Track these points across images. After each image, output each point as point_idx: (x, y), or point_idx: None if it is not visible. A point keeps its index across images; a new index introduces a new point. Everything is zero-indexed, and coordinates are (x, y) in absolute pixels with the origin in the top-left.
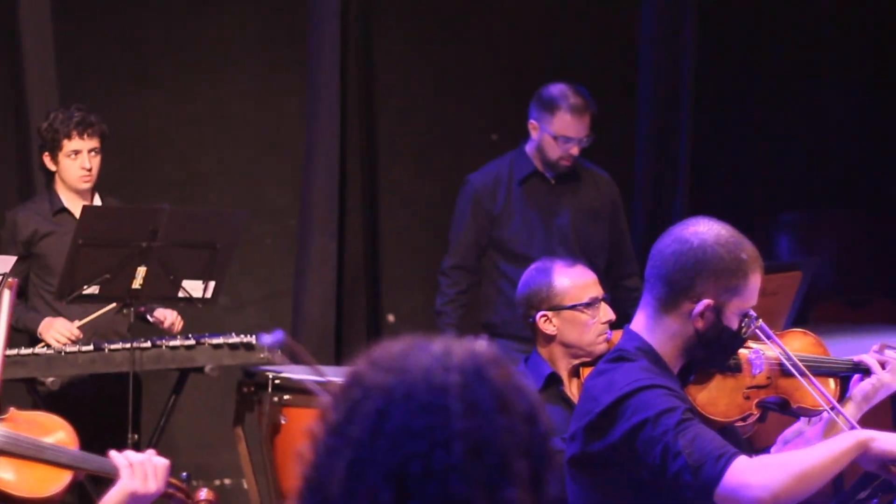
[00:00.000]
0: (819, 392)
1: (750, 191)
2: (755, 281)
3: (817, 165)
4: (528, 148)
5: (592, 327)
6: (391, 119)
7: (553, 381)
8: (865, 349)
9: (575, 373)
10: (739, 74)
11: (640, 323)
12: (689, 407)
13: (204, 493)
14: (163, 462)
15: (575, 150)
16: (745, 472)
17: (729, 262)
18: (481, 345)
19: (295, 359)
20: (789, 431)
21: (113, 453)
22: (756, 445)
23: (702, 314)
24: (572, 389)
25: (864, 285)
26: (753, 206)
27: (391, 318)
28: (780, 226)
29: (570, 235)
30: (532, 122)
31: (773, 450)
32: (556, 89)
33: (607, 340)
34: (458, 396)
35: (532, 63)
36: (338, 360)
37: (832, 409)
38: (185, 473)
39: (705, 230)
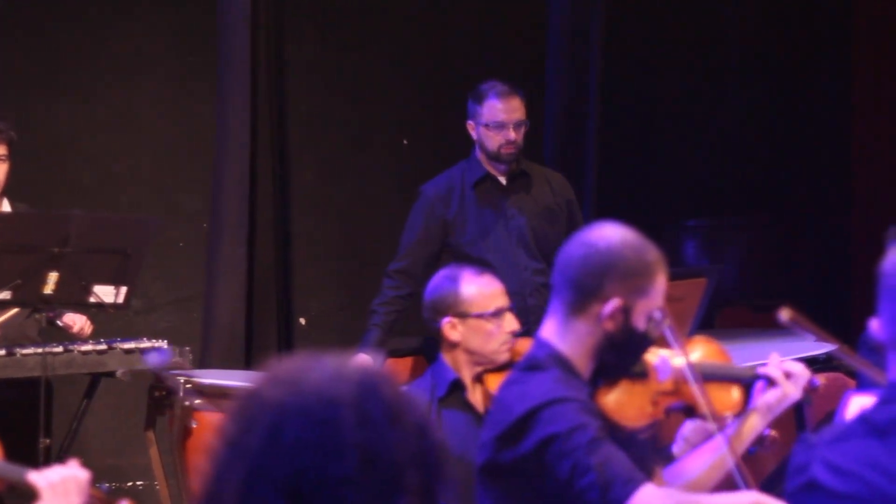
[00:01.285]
0: (707, 402)
1: (656, 197)
2: (661, 282)
3: (722, 172)
4: (477, 154)
5: (496, 336)
6: (302, 124)
7: (457, 387)
8: (769, 353)
9: (478, 379)
10: (645, 82)
11: (549, 329)
12: (601, 424)
13: None
14: (83, 475)
15: (512, 135)
16: (649, 500)
17: (635, 263)
18: (372, 361)
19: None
20: (688, 429)
21: (32, 475)
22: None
23: (611, 315)
24: (476, 396)
25: (767, 290)
26: (660, 213)
27: (302, 321)
28: (687, 231)
29: (527, 235)
30: (468, 124)
31: (674, 447)
32: (483, 84)
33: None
34: (350, 408)
35: (442, 70)
36: (248, 364)
37: (716, 422)
38: (105, 485)
39: (611, 234)
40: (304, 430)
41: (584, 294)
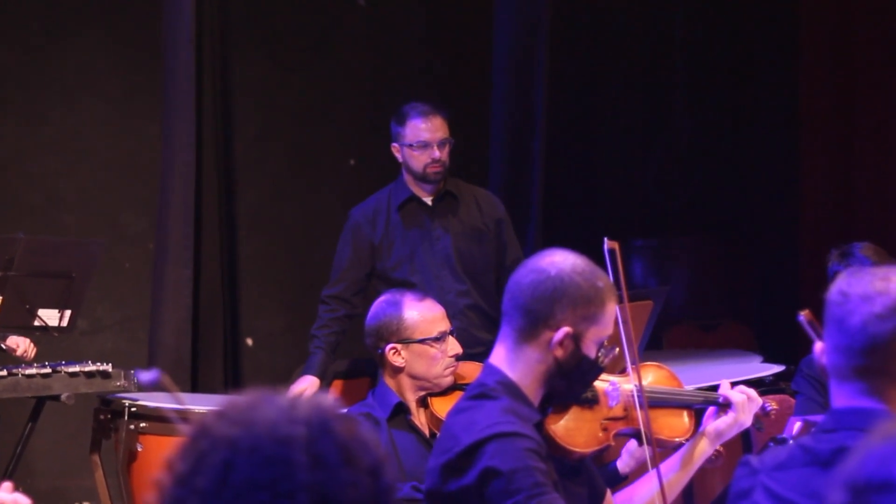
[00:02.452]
0: (648, 430)
1: (603, 216)
2: (611, 309)
3: (669, 191)
4: (404, 176)
5: (440, 361)
6: (248, 144)
7: (401, 409)
8: (717, 374)
9: (423, 403)
10: (590, 102)
11: (499, 356)
12: (546, 468)
13: None
14: (25, 501)
15: (437, 154)
16: None
17: (586, 290)
18: (327, 399)
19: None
20: (633, 445)
21: None
22: (604, 460)
23: (561, 342)
24: (420, 419)
25: (714, 309)
26: (607, 232)
27: (249, 341)
28: (633, 251)
29: (452, 257)
30: (393, 147)
31: (618, 463)
32: (404, 106)
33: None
34: (303, 449)
35: (388, 90)
36: (194, 386)
37: (660, 447)
38: None
39: (561, 260)
40: (255, 470)
41: (534, 321)
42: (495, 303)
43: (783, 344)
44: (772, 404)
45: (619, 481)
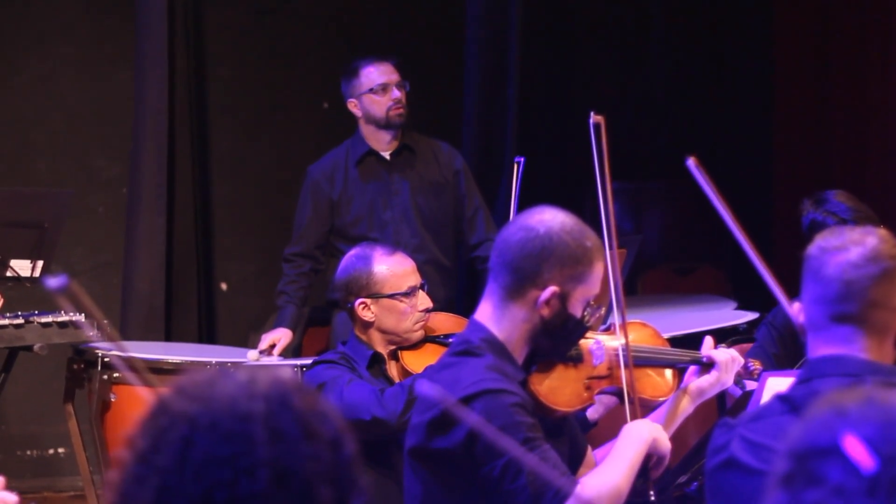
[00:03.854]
0: (631, 389)
1: (579, 161)
2: (599, 269)
3: (644, 136)
4: (360, 130)
5: (410, 315)
6: (221, 88)
7: (376, 360)
8: (693, 320)
9: (394, 356)
10: (565, 47)
11: (485, 313)
12: (533, 423)
13: None
14: (12, 499)
15: (398, 94)
16: None
17: (574, 250)
18: (286, 372)
19: (78, 306)
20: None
21: None
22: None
23: (547, 301)
24: (391, 371)
25: (689, 253)
26: (582, 177)
27: (224, 286)
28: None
29: (411, 211)
30: (350, 103)
31: (588, 411)
32: (352, 63)
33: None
34: (262, 424)
35: (363, 32)
36: (168, 334)
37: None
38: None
39: (550, 218)
40: (214, 446)
41: (521, 278)
42: (455, 258)
43: (758, 290)
44: (754, 364)
45: (589, 428)
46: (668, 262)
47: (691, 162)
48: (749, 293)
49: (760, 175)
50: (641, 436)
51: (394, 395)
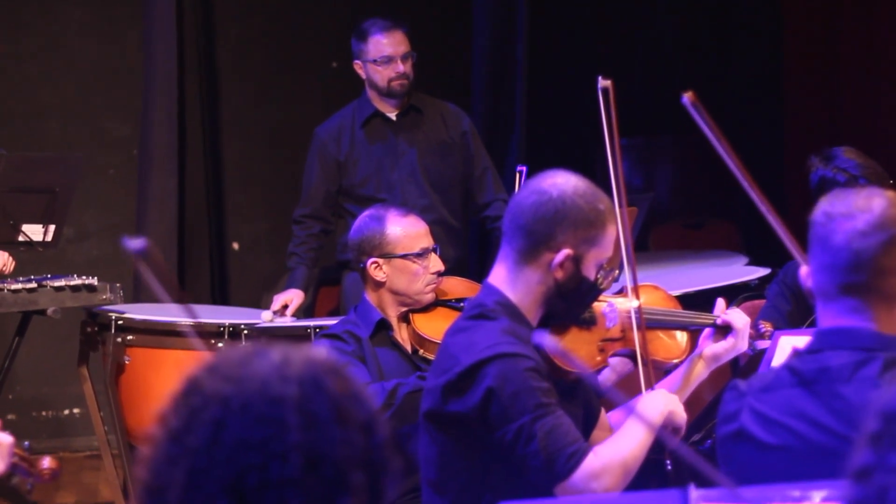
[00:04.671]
0: (644, 352)
1: (588, 116)
2: (612, 231)
3: (655, 90)
4: (367, 92)
5: (421, 277)
6: (230, 49)
7: (383, 326)
8: (704, 275)
9: (404, 318)
10: (575, 4)
11: (499, 276)
12: (547, 387)
13: (47, 462)
14: (7, 439)
15: (401, 68)
16: (589, 476)
17: (588, 213)
18: (320, 352)
19: (156, 270)
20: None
21: None
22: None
23: (561, 264)
24: (401, 335)
25: (700, 208)
26: (592, 132)
27: (236, 245)
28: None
29: (418, 172)
30: (356, 64)
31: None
32: (364, 23)
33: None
34: (294, 408)
35: None
36: (180, 296)
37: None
38: (26, 443)
39: (563, 182)
40: (246, 430)
41: (535, 242)
42: (463, 218)
43: (769, 243)
44: (765, 325)
45: (601, 394)
46: (680, 216)
47: (687, 98)
48: (760, 247)
49: (772, 124)
50: (657, 407)
51: (372, 395)
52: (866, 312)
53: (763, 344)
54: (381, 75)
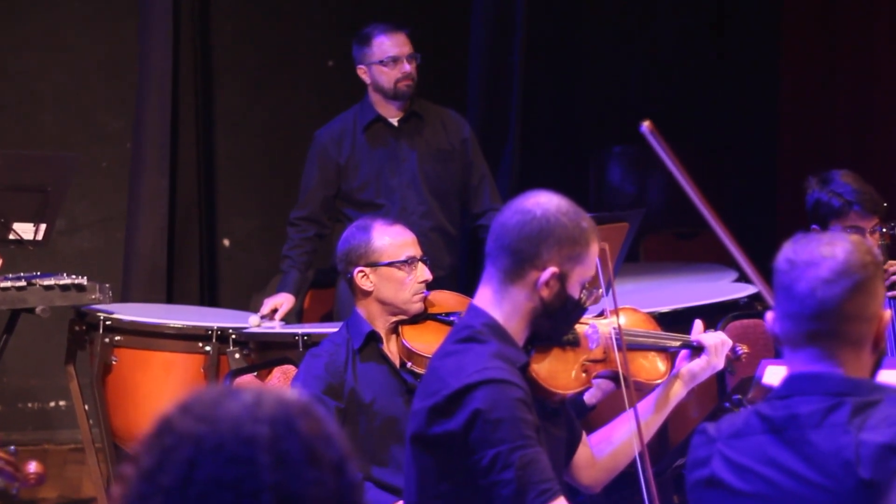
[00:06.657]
0: (626, 372)
1: (583, 123)
2: (595, 250)
3: (649, 99)
4: (370, 96)
5: (408, 286)
6: (226, 45)
7: (373, 338)
8: (692, 291)
9: (394, 330)
10: (571, 8)
11: (485, 297)
12: (532, 420)
13: (33, 467)
14: None
15: (408, 68)
16: None
17: (572, 231)
18: (292, 393)
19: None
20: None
21: None
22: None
23: (547, 283)
24: (390, 347)
25: (692, 217)
26: (587, 139)
27: (226, 242)
28: (612, 157)
29: (418, 178)
30: (359, 69)
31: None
32: (365, 28)
33: (424, 300)
34: (266, 449)
35: None
36: (170, 294)
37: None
38: (12, 447)
39: (546, 201)
40: (219, 469)
41: (520, 261)
42: (460, 225)
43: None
44: (743, 348)
45: (587, 412)
46: (671, 226)
47: (645, 127)
48: (752, 258)
49: (765, 136)
50: None
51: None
52: (834, 358)
53: (738, 365)
54: (388, 76)
